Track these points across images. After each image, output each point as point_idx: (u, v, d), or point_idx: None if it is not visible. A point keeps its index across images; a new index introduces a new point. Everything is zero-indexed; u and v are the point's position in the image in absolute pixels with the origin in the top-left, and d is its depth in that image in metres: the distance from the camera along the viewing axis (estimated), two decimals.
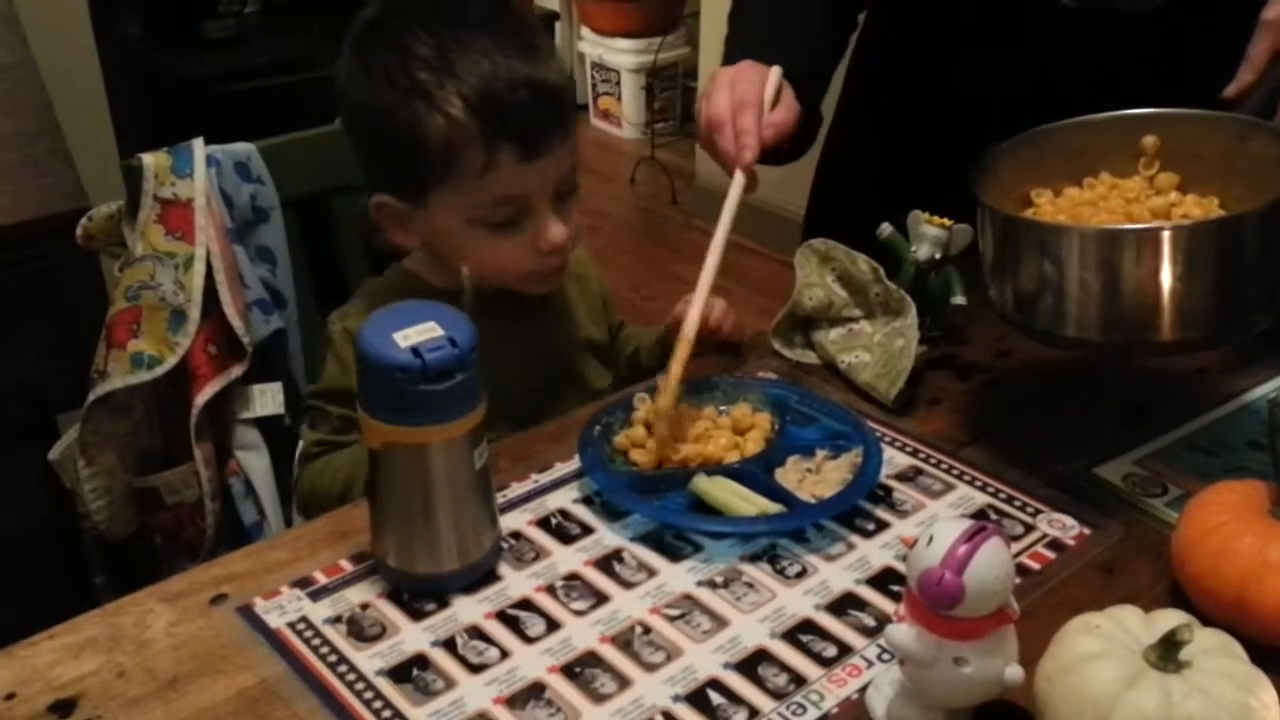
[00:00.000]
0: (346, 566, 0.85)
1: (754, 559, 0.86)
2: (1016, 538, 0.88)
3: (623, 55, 3.99)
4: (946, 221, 1.11)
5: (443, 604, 0.82)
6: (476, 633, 0.79)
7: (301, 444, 1.09)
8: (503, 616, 0.81)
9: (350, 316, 1.09)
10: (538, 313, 1.12)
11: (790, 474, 0.95)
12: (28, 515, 1.48)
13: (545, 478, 0.96)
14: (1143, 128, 0.96)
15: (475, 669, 0.76)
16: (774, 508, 0.89)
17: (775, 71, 1.11)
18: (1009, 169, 0.96)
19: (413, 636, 0.79)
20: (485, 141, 0.97)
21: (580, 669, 0.76)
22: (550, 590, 0.83)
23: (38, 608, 0.88)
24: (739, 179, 1.06)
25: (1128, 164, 0.97)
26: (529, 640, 0.78)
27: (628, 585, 0.84)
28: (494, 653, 0.77)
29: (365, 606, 0.81)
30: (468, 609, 0.81)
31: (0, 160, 1.48)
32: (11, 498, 1.46)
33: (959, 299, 1.13)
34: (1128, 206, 0.93)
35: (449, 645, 0.78)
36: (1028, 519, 0.91)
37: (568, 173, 1.03)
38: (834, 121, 1.39)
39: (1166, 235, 0.82)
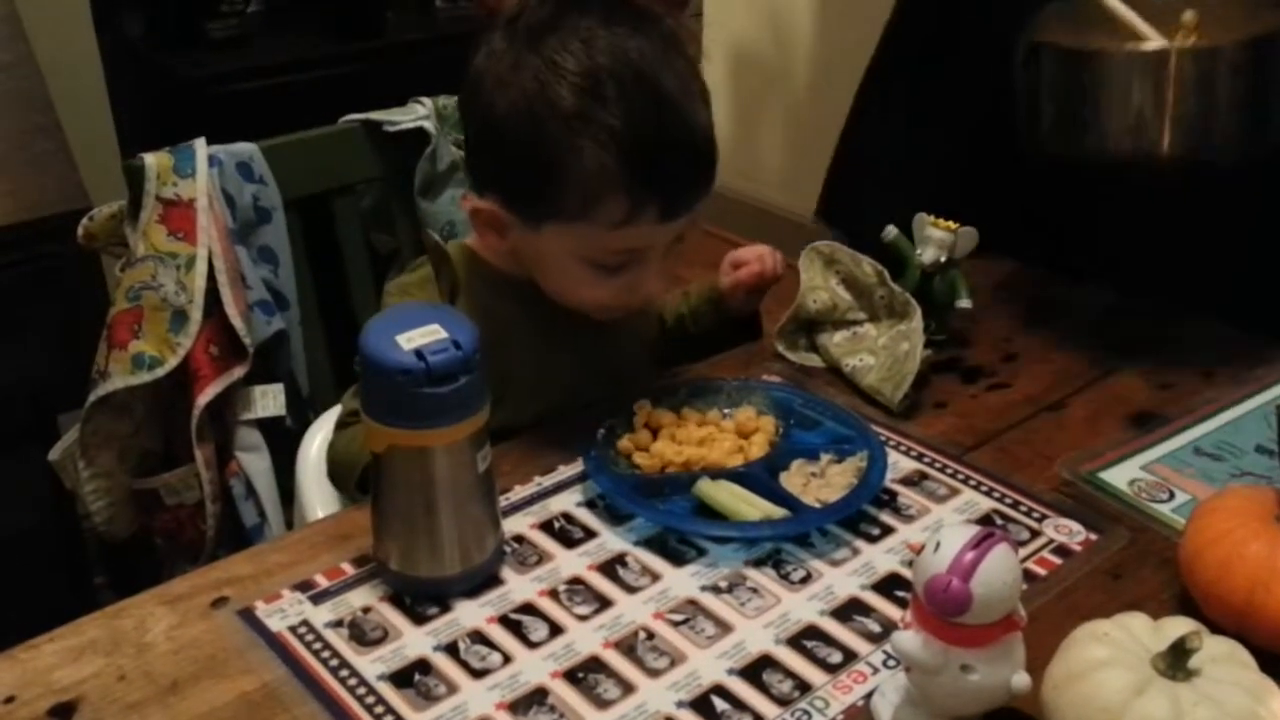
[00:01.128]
0: (348, 570, 0.85)
1: (758, 564, 0.86)
2: (1023, 543, 0.88)
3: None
4: (952, 224, 1.11)
5: (445, 608, 0.81)
6: (479, 637, 0.79)
7: (340, 408, 1.04)
8: (505, 621, 0.80)
9: (410, 288, 1.04)
10: (581, 340, 1.06)
11: (794, 478, 0.94)
12: (29, 516, 1.47)
13: (548, 481, 0.95)
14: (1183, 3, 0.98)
15: (477, 674, 0.75)
16: (778, 512, 0.89)
17: None
18: (1056, 25, 1.01)
19: (414, 641, 0.78)
20: (630, 197, 0.90)
21: (583, 674, 0.75)
22: (553, 594, 0.83)
23: (38, 609, 0.88)
24: None
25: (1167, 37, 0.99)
26: (532, 645, 0.78)
27: (631, 589, 0.83)
28: (496, 657, 0.77)
29: (367, 610, 0.81)
30: (470, 613, 0.81)
31: (1, 159, 1.48)
32: (12, 498, 1.45)
33: (964, 302, 1.12)
34: None
35: (451, 650, 0.77)
36: (1034, 524, 0.90)
37: (689, 225, 0.98)
38: (855, 106, 1.38)
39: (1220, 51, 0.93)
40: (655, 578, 0.84)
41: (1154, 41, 0.96)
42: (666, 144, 0.91)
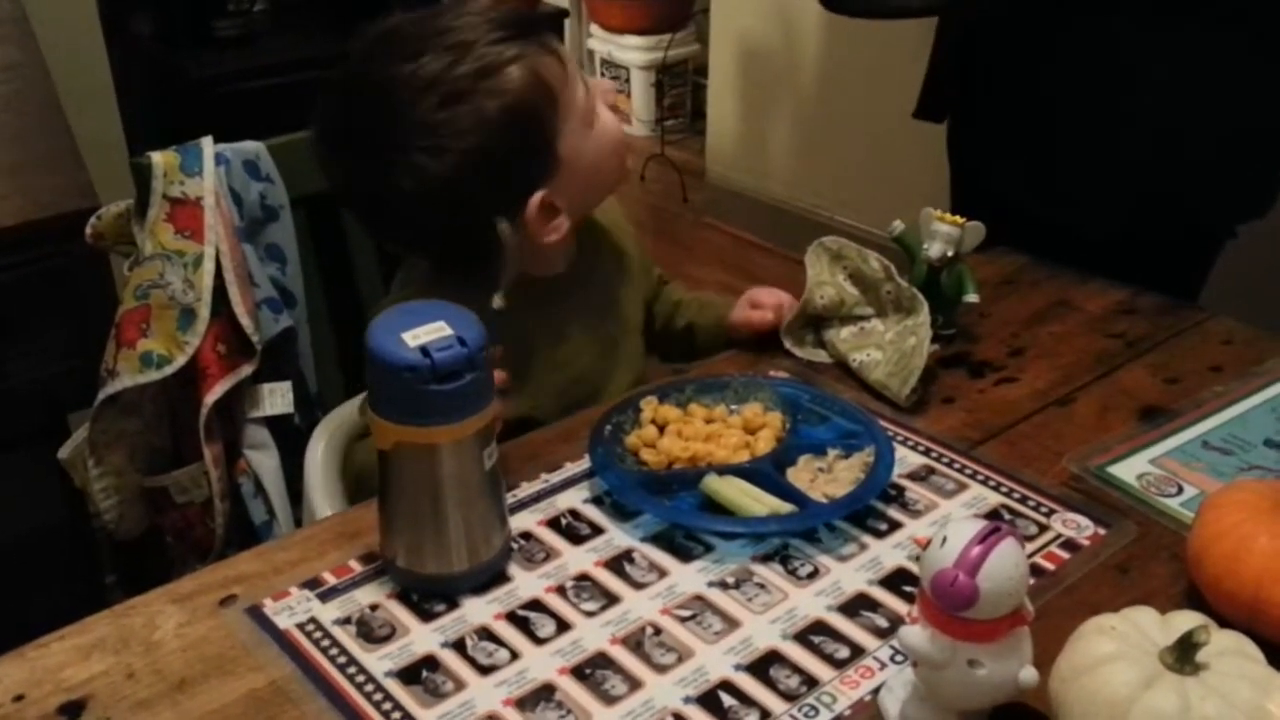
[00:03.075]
0: (356, 567, 0.85)
1: (765, 559, 0.86)
2: (1030, 538, 0.87)
3: (632, 52, 3.98)
4: (959, 219, 1.11)
5: (452, 605, 0.81)
6: (486, 634, 0.79)
7: (363, 417, 1.05)
8: (512, 617, 0.80)
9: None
10: (586, 296, 1.10)
11: (802, 473, 0.94)
12: (39, 515, 1.48)
13: (555, 477, 0.95)
14: None
15: (485, 670, 0.76)
16: (785, 507, 0.89)
17: None
18: None
19: (422, 637, 0.78)
20: (538, 50, 0.98)
21: (591, 670, 0.76)
22: (560, 591, 0.83)
23: (48, 607, 0.88)
24: None
25: None
26: (539, 641, 0.78)
27: (638, 586, 0.83)
28: (504, 654, 0.77)
29: (374, 607, 0.81)
30: (477, 610, 0.81)
31: (9, 159, 1.48)
32: (23, 497, 1.46)
33: (972, 297, 1.12)
34: None
35: (458, 646, 0.78)
36: (1041, 519, 0.90)
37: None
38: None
39: None
40: (662, 574, 0.84)
41: None
42: (510, 18, 0.98)
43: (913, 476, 0.95)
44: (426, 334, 0.76)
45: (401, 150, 0.94)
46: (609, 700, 0.73)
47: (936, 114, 1.46)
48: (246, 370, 1.25)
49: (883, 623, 0.79)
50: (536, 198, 0.99)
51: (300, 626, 0.79)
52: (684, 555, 0.86)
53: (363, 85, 0.98)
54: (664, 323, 1.23)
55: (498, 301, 0.92)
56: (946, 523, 0.67)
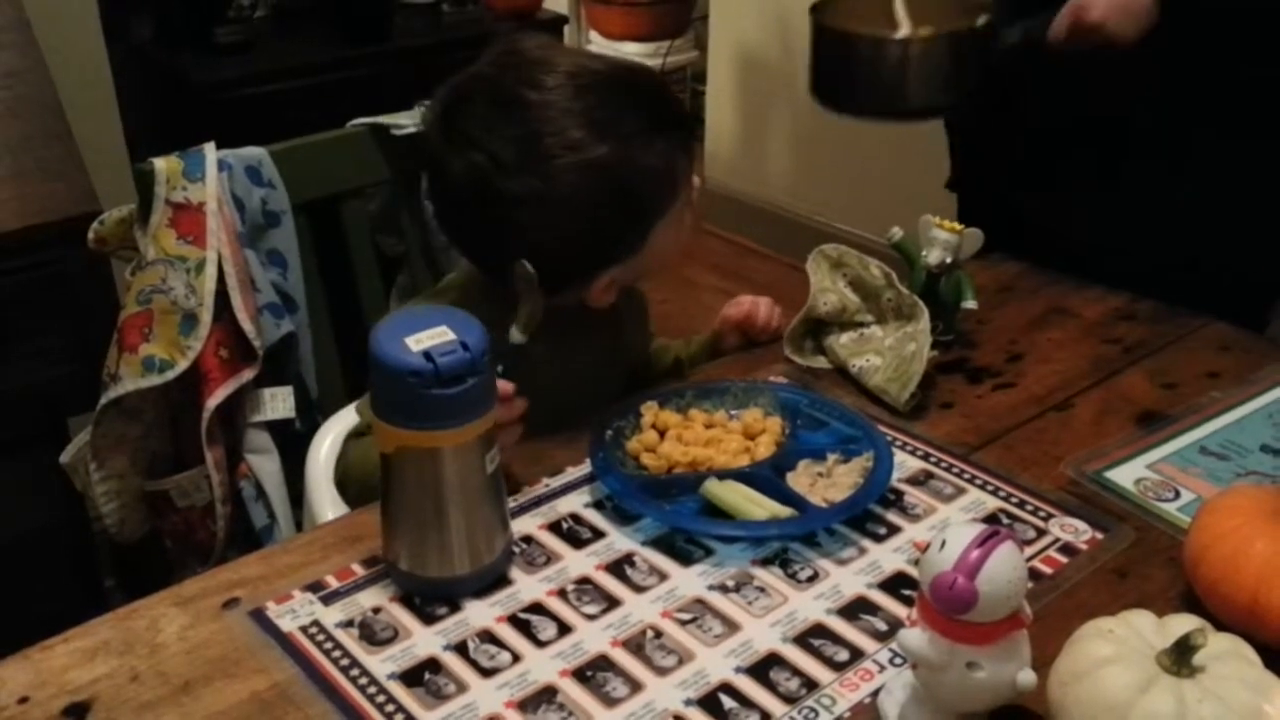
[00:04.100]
0: (358, 570, 0.85)
1: (765, 563, 0.86)
2: (1029, 542, 0.88)
3: (631, 59, 4.00)
4: (957, 226, 1.11)
5: (454, 608, 0.82)
6: (488, 636, 0.79)
7: (360, 418, 1.05)
8: (514, 620, 0.81)
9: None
10: (595, 337, 1.11)
11: (801, 478, 0.95)
12: (39, 519, 1.48)
13: (556, 482, 0.96)
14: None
15: (487, 673, 0.76)
16: (785, 512, 0.89)
17: None
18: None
19: (424, 640, 0.79)
20: (669, 143, 0.99)
21: (592, 673, 0.76)
22: (561, 594, 0.83)
23: (48, 611, 0.88)
24: None
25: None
26: (540, 644, 0.78)
27: (639, 589, 0.84)
28: (505, 656, 0.77)
29: (377, 610, 0.82)
30: (479, 613, 0.81)
31: (12, 164, 1.48)
32: (24, 501, 1.46)
33: (970, 303, 1.13)
34: None
35: (460, 649, 0.78)
36: (1040, 523, 0.90)
37: None
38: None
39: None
40: (663, 577, 0.85)
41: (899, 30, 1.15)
42: (668, 110, 1.02)
43: (912, 481, 0.96)
44: (430, 338, 0.77)
45: (525, 181, 0.95)
46: (610, 702, 0.74)
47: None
48: (248, 375, 1.26)
49: (882, 626, 0.80)
50: (608, 276, 1.01)
51: (303, 629, 0.80)
52: (684, 559, 0.87)
53: (509, 103, 0.97)
54: (655, 366, 1.24)
55: (517, 336, 0.93)
56: (945, 527, 0.67)
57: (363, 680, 0.75)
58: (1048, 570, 0.85)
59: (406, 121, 1.36)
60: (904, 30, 1.16)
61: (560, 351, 1.04)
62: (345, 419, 1.16)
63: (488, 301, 0.98)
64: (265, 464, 1.28)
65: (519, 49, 1.00)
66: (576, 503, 0.93)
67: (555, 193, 0.95)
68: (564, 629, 0.80)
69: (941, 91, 1.17)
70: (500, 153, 0.95)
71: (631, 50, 4.00)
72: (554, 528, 0.90)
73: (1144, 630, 0.67)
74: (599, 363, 1.10)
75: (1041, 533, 0.89)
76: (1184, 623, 0.67)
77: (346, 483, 1.04)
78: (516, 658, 0.77)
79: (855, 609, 0.82)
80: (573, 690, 0.75)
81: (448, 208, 1.06)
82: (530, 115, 0.95)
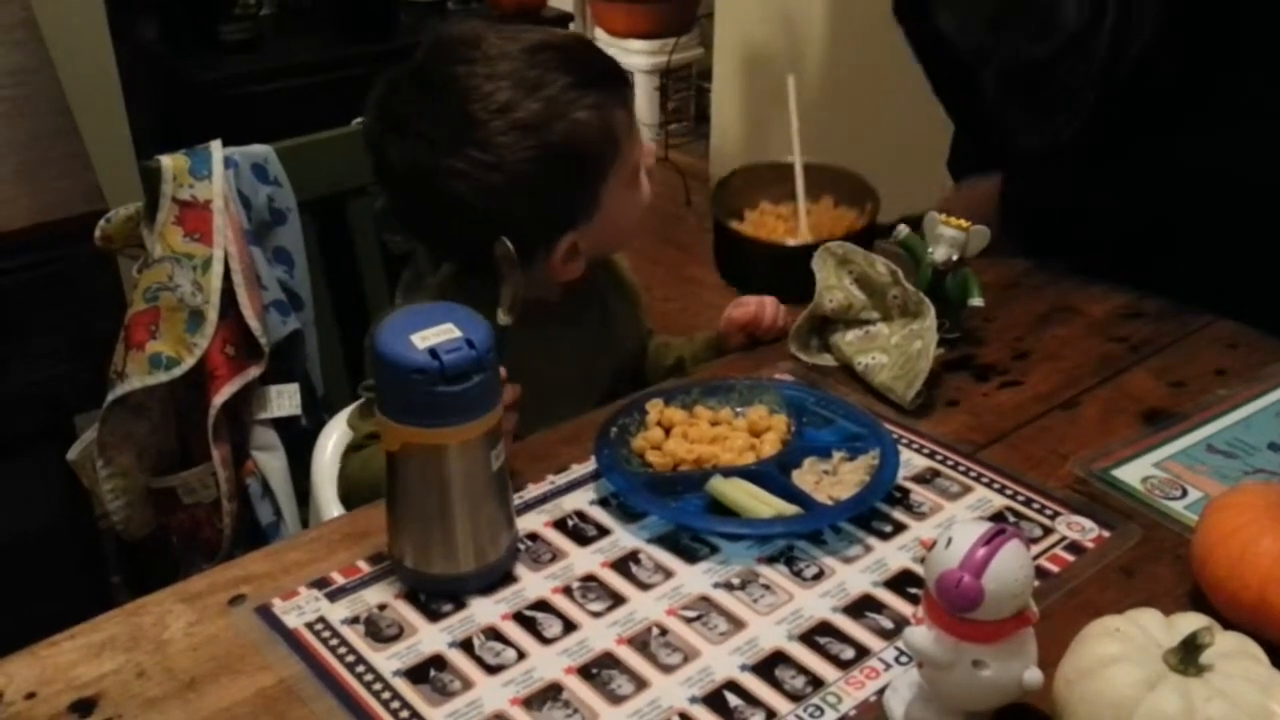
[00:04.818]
0: (364, 567, 0.85)
1: (771, 561, 0.86)
2: (1035, 540, 0.88)
3: (636, 56, 3.99)
4: (964, 223, 1.11)
5: (460, 605, 0.82)
6: (493, 634, 0.79)
7: (354, 434, 1.07)
8: (519, 618, 0.81)
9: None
10: (581, 326, 1.12)
11: (807, 476, 0.94)
12: (46, 516, 1.48)
13: (562, 479, 0.96)
14: None
15: (492, 670, 0.76)
16: (791, 509, 0.89)
17: None
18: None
19: (430, 637, 0.79)
20: (608, 99, 1.01)
21: (597, 670, 0.76)
22: (567, 591, 0.83)
23: (55, 608, 0.88)
24: None
25: None
26: (546, 641, 0.78)
27: (644, 587, 0.84)
28: (511, 654, 0.77)
29: (383, 607, 0.82)
30: (485, 610, 0.81)
31: (18, 163, 1.49)
32: (30, 498, 1.46)
33: (976, 300, 1.12)
34: None
35: (466, 646, 0.78)
36: (1046, 521, 0.90)
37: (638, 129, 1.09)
38: None
39: None
40: (668, 575, 0.85)
41: None
42: (597, 65, 1.03)
43: (917, 479, 0.95)
44: (435, 335, 0.77)
45: (462, 155, 0.96)
46: (615, 700, 0.74)
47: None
48: (254, 372, 1.26)
49: (888, 624, 0.80)
50: (568, 240, 1.02)
51: (309, 626, 0.80)
52: (690, 556, 0.87)
53: (438, 83, 0.99)
54: (654, 364, 1.24)
55: (503, 318, 0.93)
56: (951, 525, 0.67)
57: (368, 677, 0.75)
58: (1054, 569, 0.85)
59: None
60: (799, 234, 1.29)
61: (545, 341, 1.04)
62: (350, 416, 1.16)
63: (463, 295, 0.99)
64: (271, 461, 1.28)
65: (446, 34, 1.03)
66: (582, 500, 0.93)
67: (491, 159, 0.96)
68: (569, 626, 0.80)
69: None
70: (433, 131, 0.97)
71: (637, 47, 4.00)
72: (559, 525, 0.90)
73: (1151, 629, 0.67)
74: (585, 354, 1.11)
75: (1048, 531, 0.89)
76: (1191, 621, 0.66)
77: (351, 497, 1.05)
78: (522, 655, 0.77)
79: (861, 607, 0.82)
80: (578, 688, 0.75)
81: (396, 198, 1.08)
82: (458, 88, 0.97)
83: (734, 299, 1.21)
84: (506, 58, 0.98)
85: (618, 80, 1.05)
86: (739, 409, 1.03)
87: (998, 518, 0.91)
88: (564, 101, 0.98)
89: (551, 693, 0.74)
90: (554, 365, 1.06)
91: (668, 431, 0.99)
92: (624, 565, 0.86)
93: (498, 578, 0.84)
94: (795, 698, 0.74)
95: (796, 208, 1.33)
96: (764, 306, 1.17)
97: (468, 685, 0.75)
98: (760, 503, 0.89)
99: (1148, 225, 1.21)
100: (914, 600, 0.82)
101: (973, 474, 0.96)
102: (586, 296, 1.13)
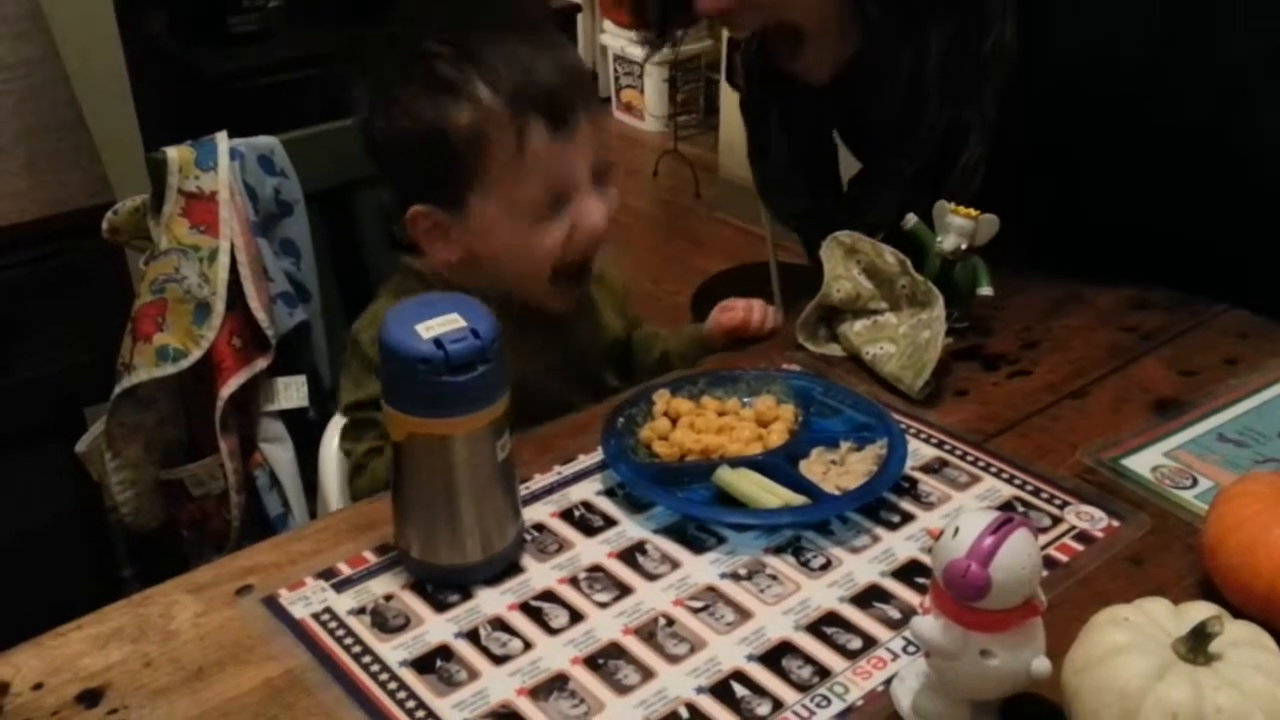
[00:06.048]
0: (370, 558, 0.85)
1: (778, 551, 0.86)
2: (1044, 530, 0.87)
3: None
4: (973, 212, 1.10)
5: (466, 595, 0.82)
6: (499, 624, 0.79)
7: (350, 458, 1.06)
8: (526, 608, 0.81)
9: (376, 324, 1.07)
10: (561, 318, 1.11)
11: (814, 466, 0.94)
12: (55, 508, 1.49)
13: (568, 469, 0.95)
14: None
15: (498, 660, 0.76)
16: (798, 499, 0.89)
17: None
18: None
19: (436, 628, 0.79)
20: (514, 120, 0.97)
21: (603, 660, 0.76)
22: (573, 582, 0.83)
23: (65, 599, 0.89)
24: None
25: None
26: (552, 631, 0.78)
27: (651, 577, 0.83)
28: (517, 644, 0.77)
29: (389, 598, 0.82)
30: (491, 600, 0.81)
31: (25, 155, 1.49)
32: (39, 491, 1.47)
33: (986, 290, 1.12)
34: None
35: (472, 636, 0.78)
36: (1055, 511, 0.90)
37: (602, 155, 1.04)
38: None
39: None
40: (675, 565, 0.85)
41: None
42: (528, 65, 0.99)
43: (926, 469, 0.95)
44: (440, 325, 0.76)
45: (388, 105, 1.02)
46: (621, 690, 0.73)
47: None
48: (261, 364, 1.26)
49: (895, 614, 0.80)
50: (419, 208, 1.03)
51: (316, 616, 0.80)
52: (696, 547, 0.86)
53: (400, 36, 1.05)
54: (640, 356, 1.23)
55: None
56: (959, 514, 0.67)
57: (375, 667, 0.75)
58: (1063, 558, 0.85)
59: None
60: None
61: (521, 334, 1.04)
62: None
63: (423, 286, 1.01)
64: (279, 453, 1.28)
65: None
66: (588, 490, 0.93)
67: (397, 113, 1.01)
68: (575, 617, 0.80)
69: None
70: (376, 79, 1.04)
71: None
72: (566, 515, 0.90)
73: (1160, 618, 0.67)
74: (564, 344, 1.11)
75: (1057, 520, 0.89)
76: (1200, 610, 0.66)
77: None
78: (528, 645, 0.77)
79: (868, 597, 0.81)
80: (584, 678, 0.74)
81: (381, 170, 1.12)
82: (412, 50, 1.02)
83: (720, 304, 1.18)
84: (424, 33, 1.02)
85: (557, 118, 0.99)
86: (746, 399, 1.02)
87: (1007, 507, 0.90)
88: (465, 94, 0.98)
89: (558, 683, 0.74)
90: (531, 359, 1.05)
91: (675, 422, 0.99)
92: (630, 556, 0.86)
93: (504, 568, 0.84)
94: (802, 688, 0.74)
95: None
96: (752, 310, 1.15)
97: (474, 675, 0.75)
98: (767, 493, 0.89)
99: (1146, 224, 1.20)
100: (922, 590, 0.81)
101: (981, 464, 0.96)
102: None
